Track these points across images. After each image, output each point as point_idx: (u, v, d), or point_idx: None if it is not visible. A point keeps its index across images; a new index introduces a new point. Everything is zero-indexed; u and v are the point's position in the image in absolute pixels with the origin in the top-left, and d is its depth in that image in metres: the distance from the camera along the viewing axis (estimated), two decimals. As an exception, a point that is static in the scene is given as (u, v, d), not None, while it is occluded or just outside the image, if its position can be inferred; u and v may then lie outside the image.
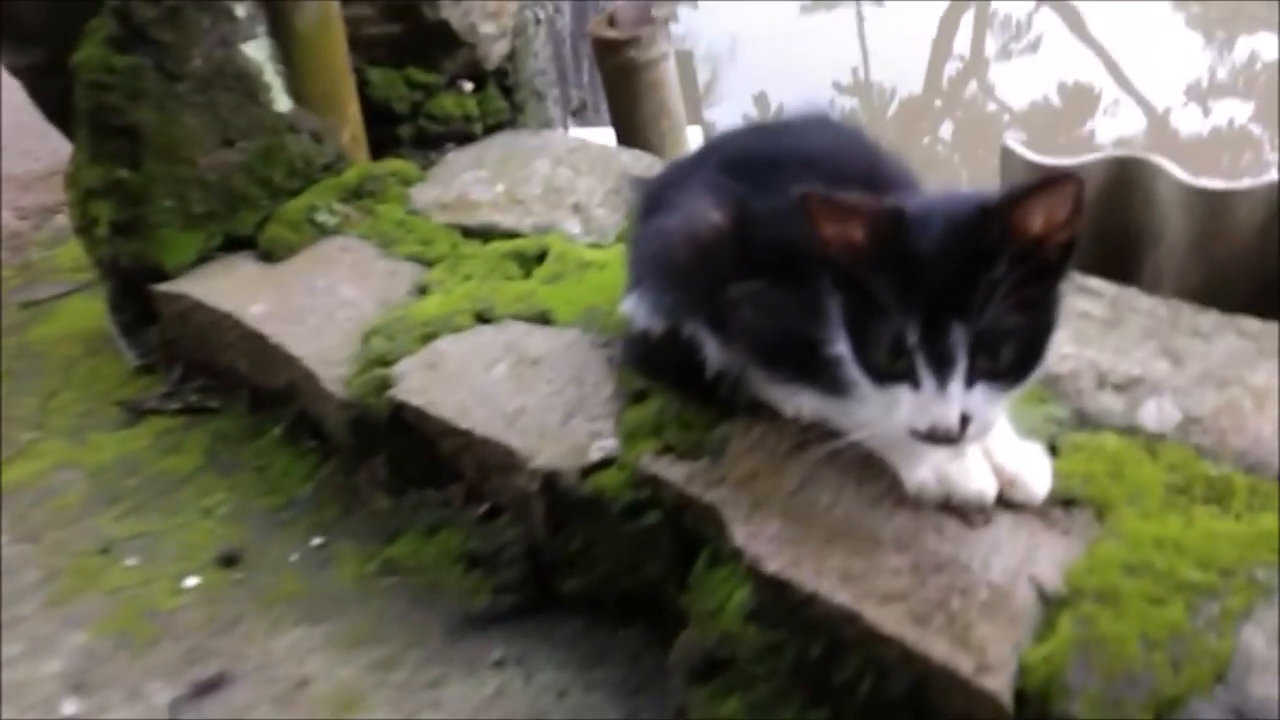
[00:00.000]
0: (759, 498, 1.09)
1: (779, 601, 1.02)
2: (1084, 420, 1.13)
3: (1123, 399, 1.15)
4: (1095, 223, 1.60)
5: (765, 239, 1.05)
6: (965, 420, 0.90)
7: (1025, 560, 0.98)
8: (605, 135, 2.21)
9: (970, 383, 0.89)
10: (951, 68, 5.06)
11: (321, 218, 1.68)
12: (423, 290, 1.53)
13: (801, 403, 1.10)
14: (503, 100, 1.96)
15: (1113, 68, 4.51)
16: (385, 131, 1.88)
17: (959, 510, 1.03)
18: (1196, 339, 1.23)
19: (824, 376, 1.01)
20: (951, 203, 0.94)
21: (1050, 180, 0.87)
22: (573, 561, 1.24)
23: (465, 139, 1.91)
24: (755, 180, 1.08)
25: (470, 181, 1.75)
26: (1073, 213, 0.88)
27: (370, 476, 1.43)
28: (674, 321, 1.15)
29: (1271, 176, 1.46)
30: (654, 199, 1.18)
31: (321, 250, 1.65)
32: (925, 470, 1.03)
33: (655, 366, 1.23)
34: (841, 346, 0.98)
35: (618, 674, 1.21)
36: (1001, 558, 0.98)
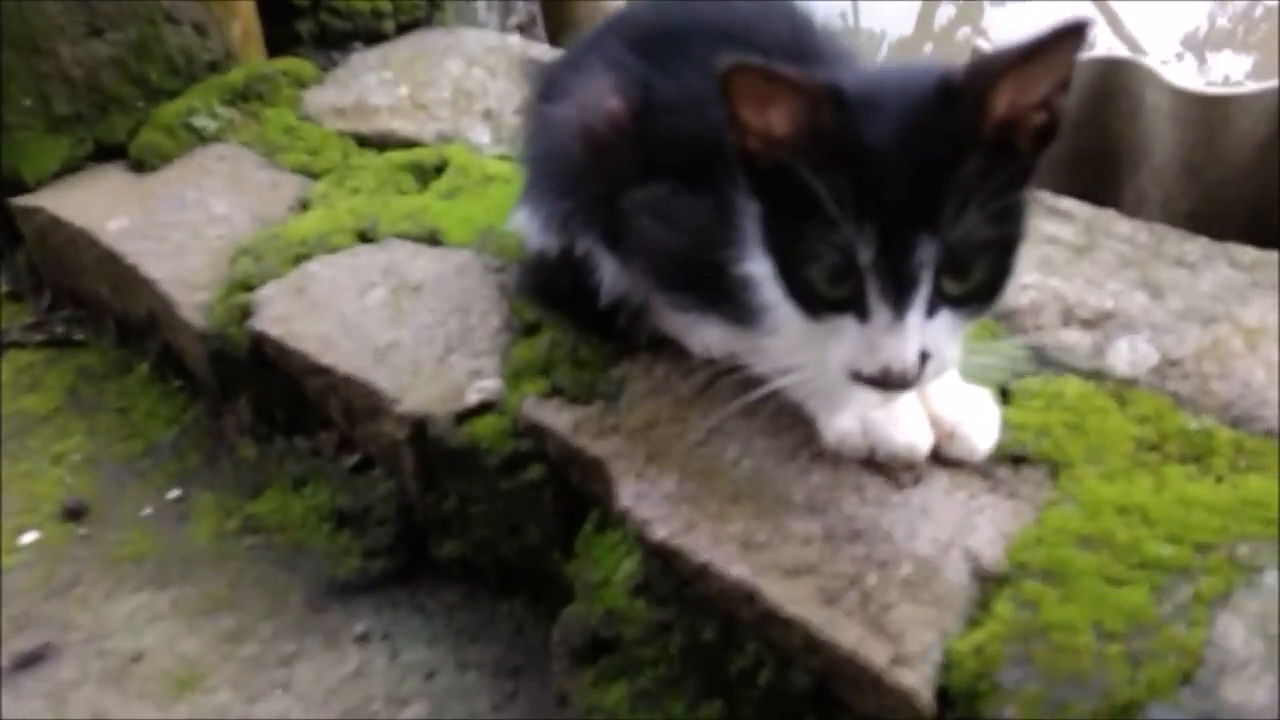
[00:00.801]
0: (655, 450, 0.92)
1: (668, 573, 0.86)
2: (1044, 361, 0.96)
3: (1090, 337, 0.97)
4: (1072, 137, 1.42)
5: (671, 131, 0.86)
6: (923, 358, 0.72)
7: (960, 528, 0.81)
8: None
9: (931, 311, 0.71)
10: (944, 12, 4.85)
11: (200, 122, 1.48)
12: (305, 205, 1.34)
13: (709, 337, 0.93)
14: (419, -4, 1.74)
15: (1109, 14, 4.32)
16: (284, 28, 1.67)
17: (886, 467, 0.86)
18: (1181, 269, 1.05)
19: (733, 303, 0.84)
20: (902, 80, 0.74)
21: (1043, 43, 0.66)
22: (448, 522, 1.07)
23: (374, 38, 1.70)
24: (664, 58, 0.89)
25: (372, 84, 1.55)
26: (1057, 86, 0.69)
27: (236, 420, 1.26)
28: (567, 238, 0.97)
29: (1273, 83, 1.27)
30: (551, 84, 0.99)
31: (197, 159, 1.45)
32: (847, 418, 0.86)
33: (547, 293, 1.05)
34: (754, 264, 0.80)
35: (496, 652, 1.05)
36: (931, 525, 0.82)
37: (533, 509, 1.00)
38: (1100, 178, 1.46)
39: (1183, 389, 0.91)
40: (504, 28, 2.33)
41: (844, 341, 0.74)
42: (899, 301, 0.70)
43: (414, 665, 1.02)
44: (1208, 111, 1.28)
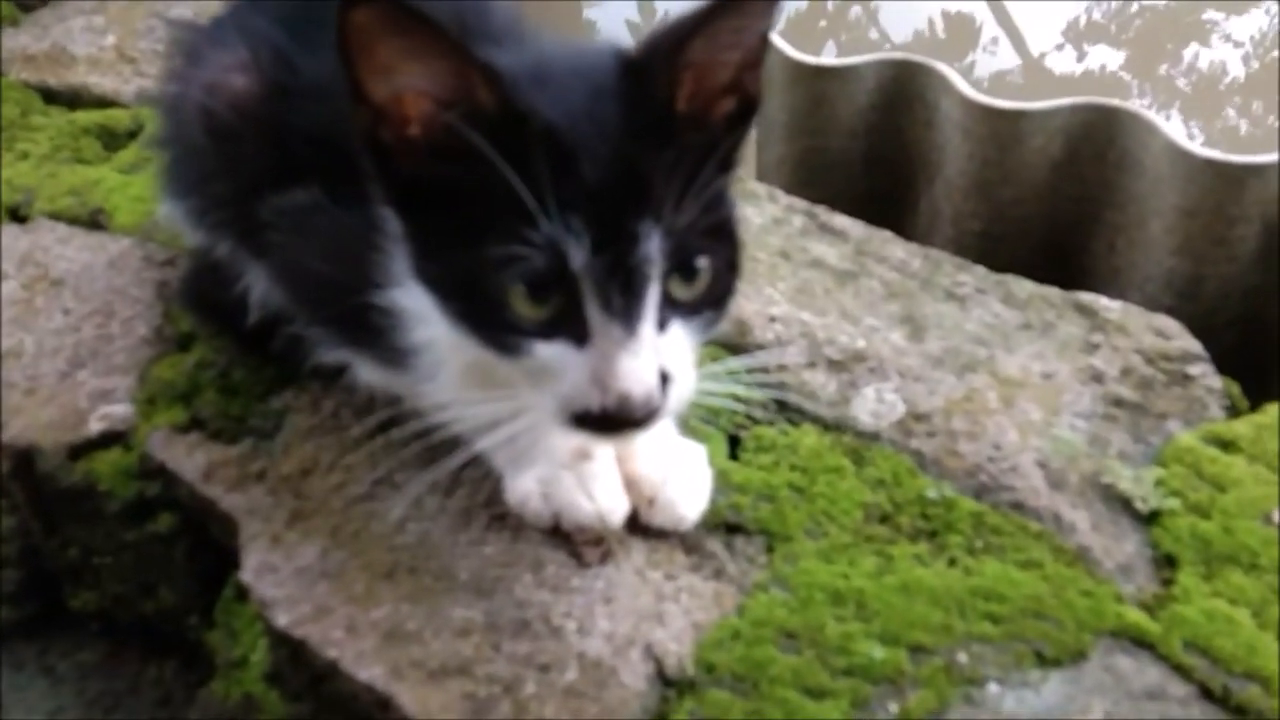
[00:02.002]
0: (305, 506, 0.75)
1: (297, 666, 0.69)
2: (782, 408, 0.82)
3: (836, 381, 0.85)
4: (865, 145, 1.30)
5: (311, 121, 0.69)
6: (664, 382, 0.57)
7: (647, 619, 0.67)
8: None
9: (662, 323, 0.57)
10: None
11: None
12: (-41, 171, 1.10)
13: (369, 376, 0.75)
14: (159, -70, 1.49)
15: (998, 10, 4.40)
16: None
17: (573, 540, 0.71)
18: (950, 303, 0.94)
19: (380, 343, 0.67)
20: (575, 59, 0.61)
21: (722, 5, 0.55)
22: (77, 572, 0.87)
23: (98, -24, 1.45)
24: (311, 32, 0.71)
25: (76, 30, 1.31)
26: (748, 62, 0.58)
27: None
28: (206, 237, 0.79)
29: (1074, 99, 1.18)
30: (194, 53, 0.80)
31: None
32: (529, 479, 0.71)
33: (200, 300, 0.86)
34: (404, 298, 0.64)
35: (135, 727, 0.86)
36: (612, 616, 0.67)
37: (164, 566, 0.82)
38: (897, 185, 1.36)
39: (927, 448, 0.79)
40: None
41: (561, 376, 0.57)
42: (628, 311, 0.55)
43: (25, 744, 0.83)
44: (999, 126, 1.18)
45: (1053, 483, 0.77)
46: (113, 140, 1.14)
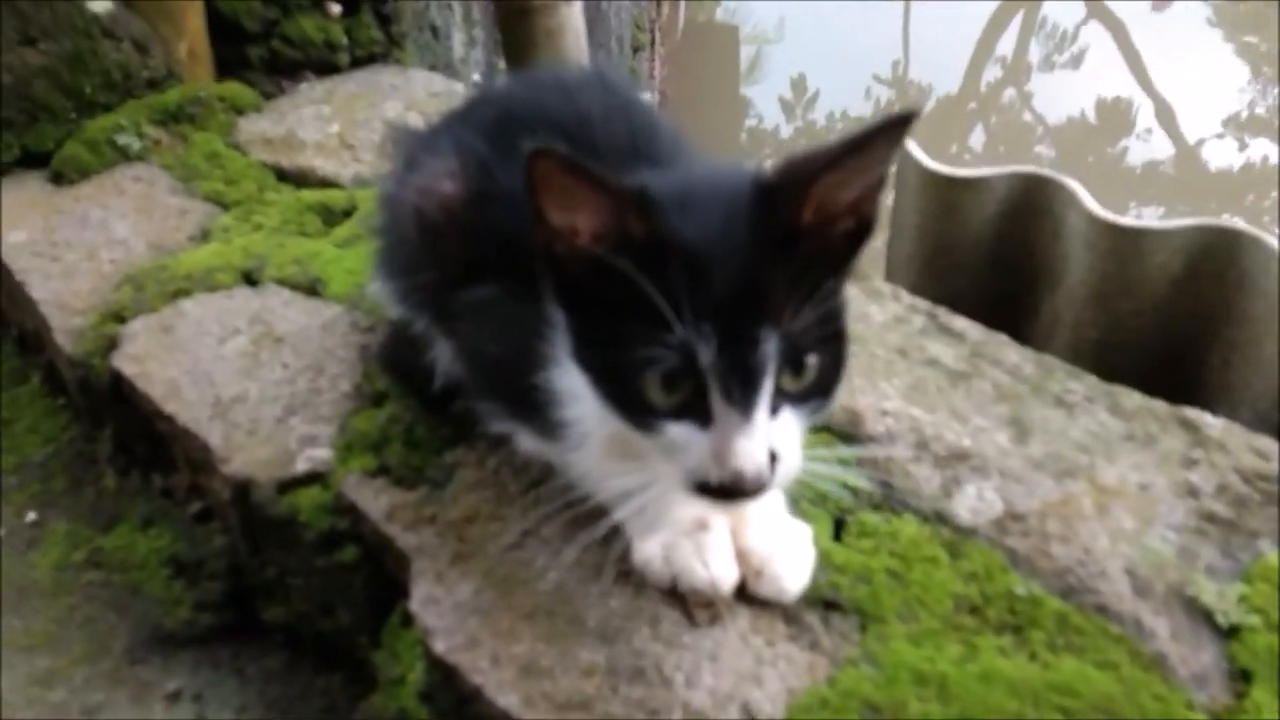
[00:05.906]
0: (465, 549, 0.88)
1: (448, 688, 0.82)
2: (887, 497, 0.91)
3: (940, 477, 0.93)
4: (992, 250, 1.37)
5: (500, 225, 0.83)
6: (772, 460, 0.67)
7: (745, 679, 0.77)
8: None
9: (774, 410, 0.67)
10: (991, 72, 4.87)
11: (125, 140, 1.47)
12: (206, 236, 1.32)
13: (527, 444, 0.89)
14: (378, 30, 1.72)
15: (1152, 91, 4.38)
16: (236, 51, 1.66)
17: (685, 601, 0.82)
18: (1057, 409, 1.01)
19: (539, 418, 0.80)
20: (715, 181, 0.72)
21: (858, 143, 0.64)
22: (271, 589, 1.04)
23: (327, 69, 1.68)
24: (508, 146, 0.85)
25: (307, 118, 1.53)
26: (871, 189, 0.67)
27: (106, 448, 1.24)
28: (407, 313, 0.94)
29: (1196, 219, 1.22)
30: (412, 156, 0.96)
31: (114, 178, 1.44)
32: (653, 543, 0.82)
33: (396, 364, 1.02)
34: (561, 379, 0.77)
35: (306, 727, 1.01)
36: (715, 673, 0.77)
37: (344, 591, 0.97)
38: (1021, 290, 1.41)
39: (1020, 547, 0.86)
40: (489, 61, 2.32)
41: (686, 452, 0.68)
42: (744, 401, 0.65)
43: (217, 733, 0.99)
44: (1121, 242, 1.23)
45: (1138, 590, 0.82)
46: (330, 217, 1.34)
